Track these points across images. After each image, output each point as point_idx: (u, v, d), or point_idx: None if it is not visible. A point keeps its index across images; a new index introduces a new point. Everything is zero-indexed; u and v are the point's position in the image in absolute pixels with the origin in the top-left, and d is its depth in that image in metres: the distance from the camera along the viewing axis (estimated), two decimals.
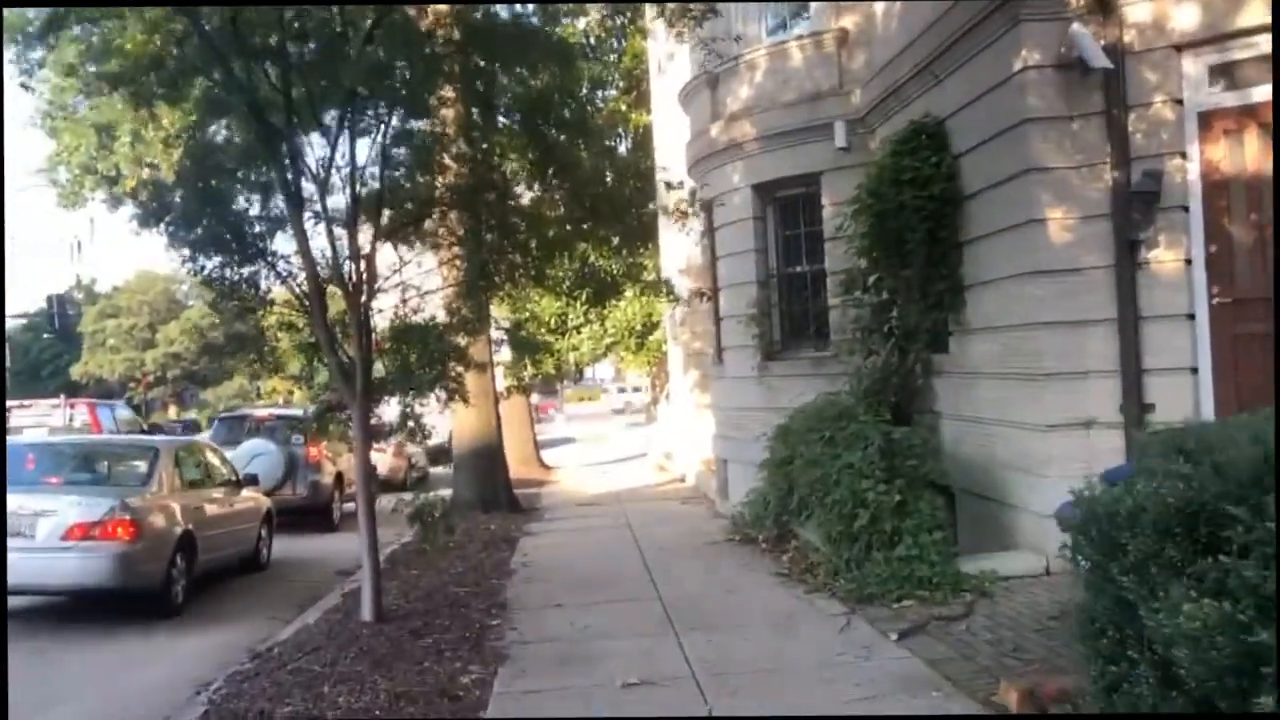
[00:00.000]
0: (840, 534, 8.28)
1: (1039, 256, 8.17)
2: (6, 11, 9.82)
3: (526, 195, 10.59)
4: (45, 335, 61.84)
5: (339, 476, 16.46)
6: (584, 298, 24.97)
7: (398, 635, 7.64)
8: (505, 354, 21.35)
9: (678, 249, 19.03)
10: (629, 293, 23.49)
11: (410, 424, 9.49)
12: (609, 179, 23.64)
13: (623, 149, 24.45)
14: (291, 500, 15.73)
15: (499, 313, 14.29)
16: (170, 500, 10.08)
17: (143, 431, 21.98)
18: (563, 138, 9.74)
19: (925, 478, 8.32)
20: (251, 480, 12.63)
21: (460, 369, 9.62)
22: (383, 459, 22.91)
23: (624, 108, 23.17)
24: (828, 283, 12.10)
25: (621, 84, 23.54)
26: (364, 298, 8.00)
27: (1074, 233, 8.12)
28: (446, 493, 17.09)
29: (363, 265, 8.03)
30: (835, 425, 9.11)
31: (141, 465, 10.34)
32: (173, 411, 61.94)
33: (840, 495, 8.23)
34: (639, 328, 23.40)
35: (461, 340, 9.21)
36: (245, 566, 12.16)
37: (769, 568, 9.67)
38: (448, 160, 9.04)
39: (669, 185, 13.85)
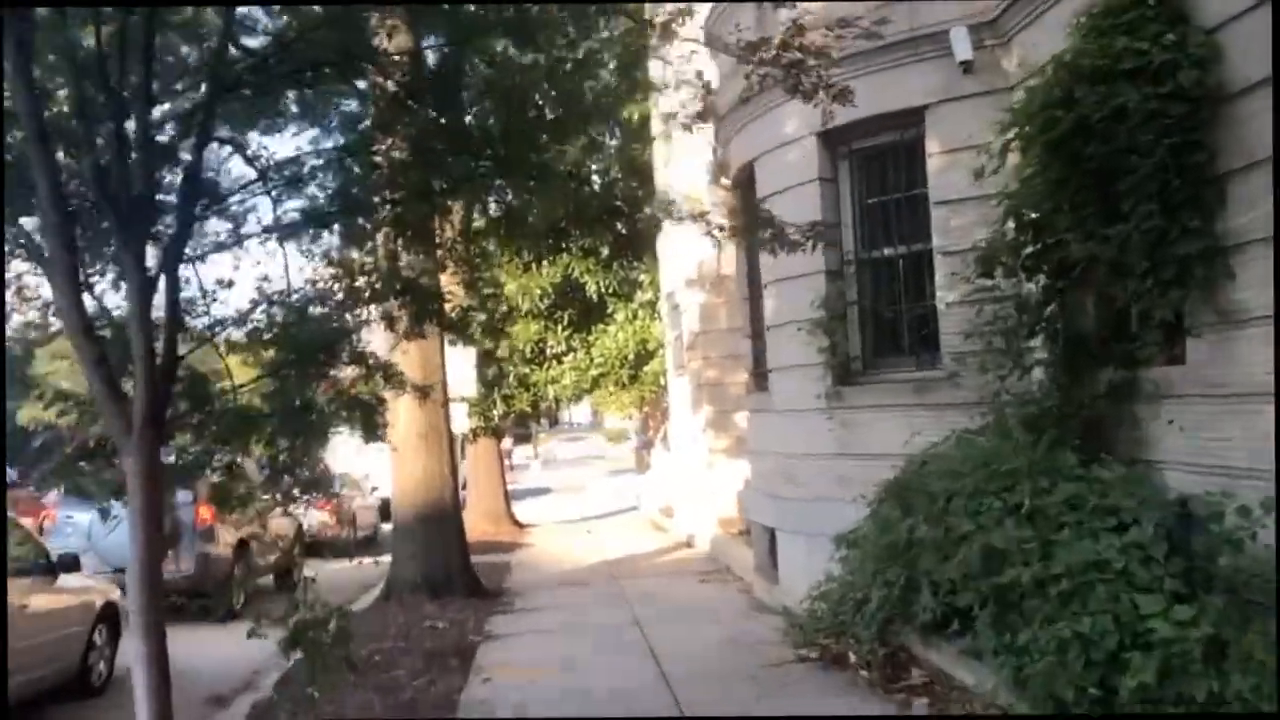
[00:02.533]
0: (1086, 695, 4.30)
1: None
2: None
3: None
4: None
5: (241, 545, 12.31)
6: (566, 321, 21.24)
7: None
8: (470, 385, 17.32)
9: (683, 254, 15.11)
10: (620, 315, 19.70)
11: (286, 480, 5.58)
12: (595, 178, 19.76)
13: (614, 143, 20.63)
14: (173, 579, 11.56)
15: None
16: None
17: None
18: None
19: (1245, 590, 4.37)
20: (70, 564, 8.49)
21: (366, 389, 5.72)
22: (315, 513, 18.90)
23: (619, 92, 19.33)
24: (936, 268, 8.23)
25: (615, 65, 19.71)
26: (150, 227, 3.97)
27: None
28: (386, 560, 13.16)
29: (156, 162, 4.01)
30: (1031, 486, 5.16)
31: None
32: None
33: (1094, 624, 4.25)
34: (632, 357, 19.40)
35: (367, 331, 5.25)
36: (68, 691, 8.09)
37: None
38: None
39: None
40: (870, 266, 8.86)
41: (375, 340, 7.67)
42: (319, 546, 17.33)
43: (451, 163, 5.18)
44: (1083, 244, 6.21)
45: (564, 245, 19.91)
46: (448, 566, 11.32)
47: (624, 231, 19.57)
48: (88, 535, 11.39)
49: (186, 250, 4.18)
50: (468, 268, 8.17)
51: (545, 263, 19.70)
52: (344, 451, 20.48)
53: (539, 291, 19.56)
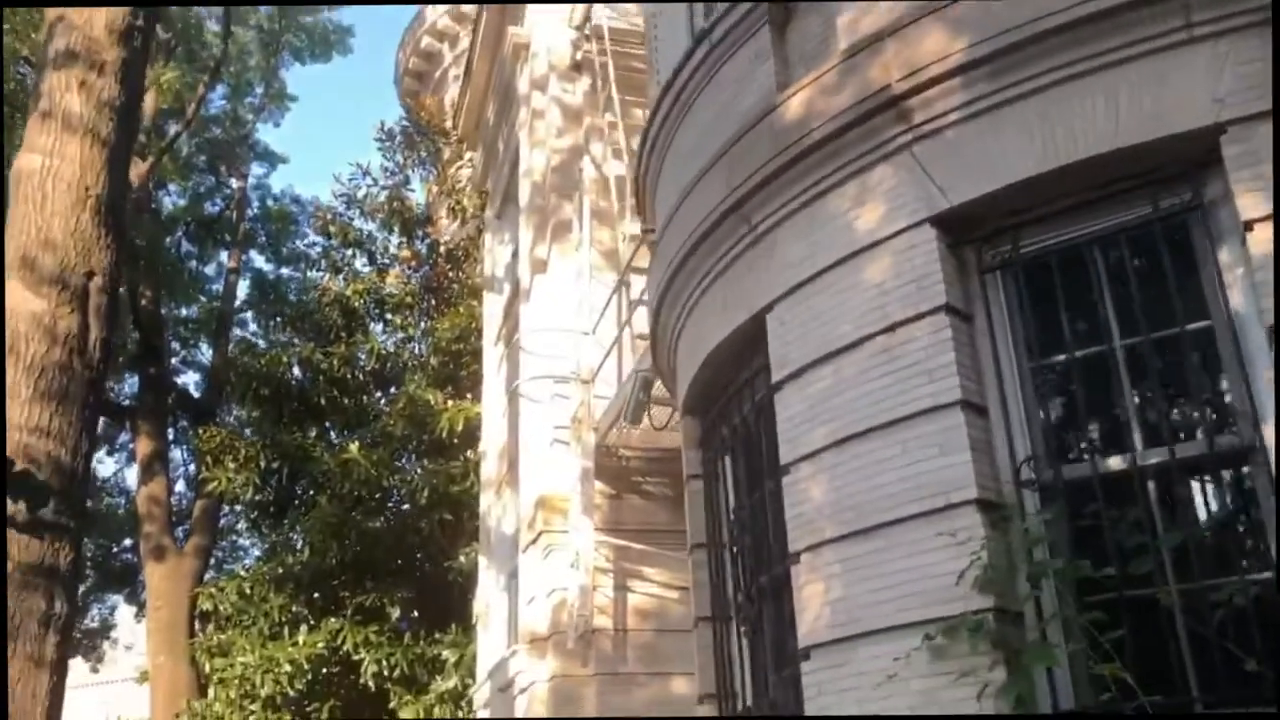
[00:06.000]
0: None
1: None
2: None
3: None
4: None
5: None
6: (326, 717, 14.56)
7: None
8: None
9: (530, 588, 9.58)
10: (407, 711, 13.38)
11: None
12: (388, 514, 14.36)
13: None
14: None
15: None
16: None
17: None
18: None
19: None
20: None
21: None
22: None
23: (433, 400, 14.46)
24: None
25: (434, 363, 15.05)
26: None
27: None
28: None
29: None
30: None
31: None
32: None
33: None
34: None
35: None
36: None
37: None
38: None
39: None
40: (1080, 494, 3.86)
41: None
42: None
43: None
44: None
45: (336, 605, 14.06)
46: None
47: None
48: None
49: None
50: None
51: (304, 626, 13.60)
52: None
53: (289, 669, 13.21)
